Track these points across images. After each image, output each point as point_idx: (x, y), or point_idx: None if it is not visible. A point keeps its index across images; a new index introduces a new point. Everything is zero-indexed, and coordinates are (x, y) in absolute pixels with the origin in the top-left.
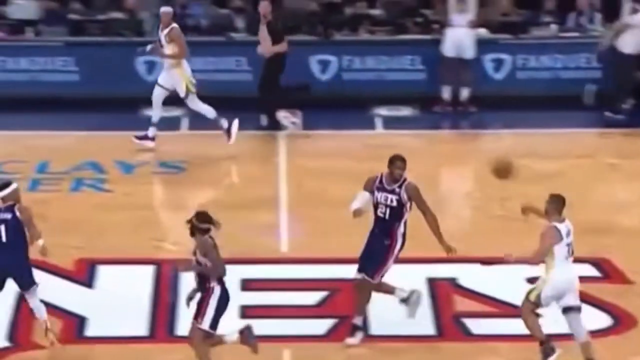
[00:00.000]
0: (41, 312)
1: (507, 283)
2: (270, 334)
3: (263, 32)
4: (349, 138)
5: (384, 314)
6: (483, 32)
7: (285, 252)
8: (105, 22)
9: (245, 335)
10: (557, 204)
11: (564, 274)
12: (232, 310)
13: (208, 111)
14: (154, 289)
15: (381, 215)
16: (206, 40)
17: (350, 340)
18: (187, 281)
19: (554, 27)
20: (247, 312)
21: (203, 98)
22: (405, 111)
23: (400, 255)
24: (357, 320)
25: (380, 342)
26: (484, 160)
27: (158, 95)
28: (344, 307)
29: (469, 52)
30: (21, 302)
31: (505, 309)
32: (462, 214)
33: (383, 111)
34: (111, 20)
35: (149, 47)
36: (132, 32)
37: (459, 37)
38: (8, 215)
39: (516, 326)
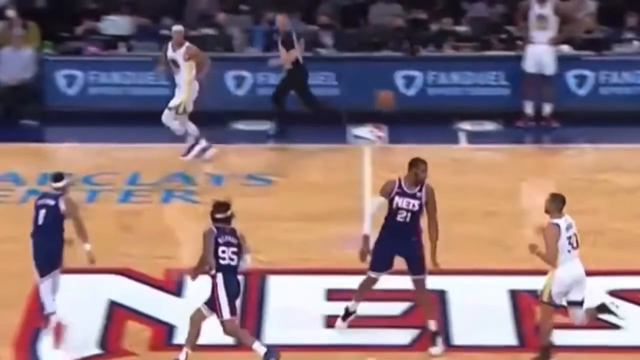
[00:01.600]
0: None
1: (588, 295)
2: (355, 343)
3: (279, 46)
4: (433, 152)
5: (465, 324)
6: (566, 48)
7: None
8: (196, 38)
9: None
10: (557, 202)
11: (568, 270)
12: (316, 319)
13: (179, 130)
14: (241, 297)
15: (401, 220)
16: None
17: (433, 350)
18: (275, 291)
19: (636, 44)
20: (331, 321)
21: (291, 113)
22: (488, 126)
23: (482, 267)
24: (432, 325)
25: (463, 352)
26: (566, 174)
27: (166, 117)
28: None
29: (550, 69)
30: (112, 310)
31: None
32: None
33: (467, 126)
34: (201, 36)
35: (160, 68)
36: (222, 48)
37: (540, 54)
38: (51, 202)
39: (599, 338)
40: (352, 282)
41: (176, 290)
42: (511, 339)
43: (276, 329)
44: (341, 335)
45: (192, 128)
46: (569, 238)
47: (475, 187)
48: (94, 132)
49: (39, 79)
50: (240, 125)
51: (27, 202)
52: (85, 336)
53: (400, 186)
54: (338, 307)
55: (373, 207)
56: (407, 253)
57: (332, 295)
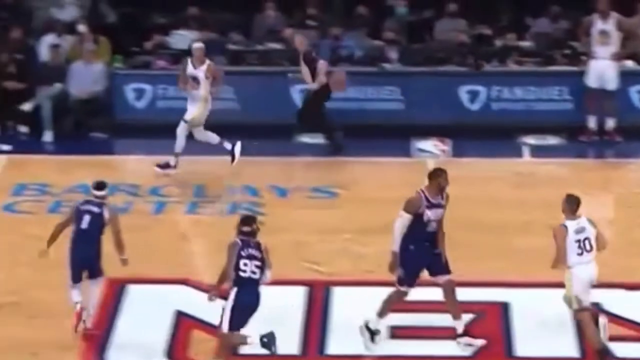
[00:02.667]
0: (92, 305)
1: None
2: (419, 354)
3: (301, 63)
4: (497, 165)
5: (528, 335)
6: (629, 64)
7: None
8: (263, 52)
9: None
10: (571, 204)
11: (583, 271)
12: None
13: (180, 146)
14: (305, 309)
15: (431, 231)
16: (359, 71)
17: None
18: (338, 303)
19: None
20: (396, 332)
21: (357, 127)
22: (552, 140)
23: (545, 279)
24: (459, 326)
25: None
26: (628, 188)
27: (181, 129)
28: (491, 330)
29: (612, 84)
30: (178, 320)
31: None
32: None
33: (531, 140)
34: (269, 51)
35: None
36: (288, 62)
37: (602, 69)
38: (96, 209)
39: None
40: (415, 294)
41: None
42: (573, 351)
43: (340, 340)
44: (404, 346)
45: (181, 143)
46: (579, 241)
47: (538, 201)
48: (162, 144)
49: (108, 92)
50: (306, 139)
51: None
52: (152, 346)
53: (427, 199)
54: (401, 319)
55: (403, 225)
56: (437, 259)
57: (398, 307)
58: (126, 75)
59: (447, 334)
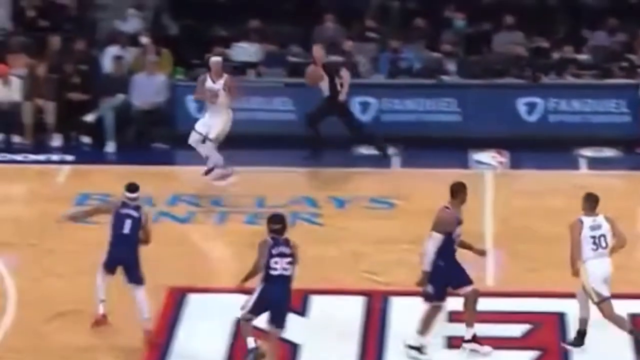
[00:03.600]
0: (144, 310)
1: None
2: None
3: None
4: (554, 177)
5: (585, 345)
6: None
7: (490, 285)
8: (323, 65)
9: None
10: (590, 201)
11: (597, 265)
12: (438, 341)
13: (218, 159)
14: (364, 319)
15: (457, 245)
16: (418, 83)
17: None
18: (396, 313)
19: None
20: (453, 342)
21: (415, 138)
22: (609, 152)
23: None
24: (469, 333)
25: None
26: None
27: (195, 140)
28: (548, 340)
29: None
30: (237, 330)
31: None
32: None
33: (587, 152)
34: (328, 63)
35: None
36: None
37: None
38: (135, 214)
39: None
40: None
41: (301, 309)
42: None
43: (397, 349)
44: (463, 356)
45: (217, 157)
46: (594, 237)
47: None
48: (223, 155)
49: (170, 103)
50: (365, 150)
51: (158, 223)
52: (212, 354)
53: (457, 217)
54: (460, 329)
55: (436, 246)
56: (461, 272)
57: (455, 317)
58: (187, 87)
59: (506, 344)
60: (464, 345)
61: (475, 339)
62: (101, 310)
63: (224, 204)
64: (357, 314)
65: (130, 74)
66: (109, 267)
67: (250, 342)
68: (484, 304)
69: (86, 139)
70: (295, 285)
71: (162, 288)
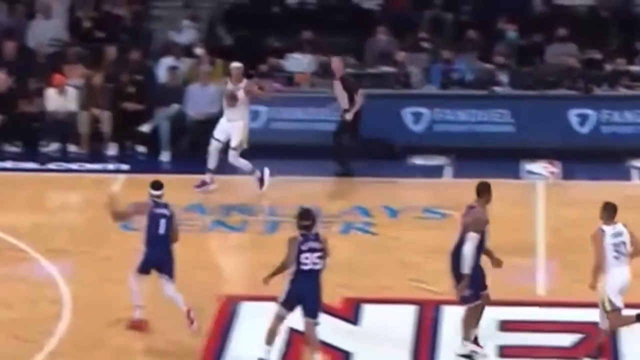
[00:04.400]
0: (179, 302)
1: None
2: None
3: (338, 88)
4: (606, 188)
5: (636, 355)
6: None
7: (542, 295)
8: (375, 75)
9: None
10: (608, 210)
11: (618, 275)
12: (490, 350)
13: (246, 165)
14: (415, 328)
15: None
16: (470, 94)
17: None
18: (449, 322)
19: None
20: (504, 351)
21: (468, 149)
22: None
23: None
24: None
25: None
26: None
27: (215, 148)
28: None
29: None
30: (291, 337)
31: None
32: None
33: (639, 163)
34: (381, 74)
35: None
36: (400, 85)
37: None
38: (167, 212)
39: None
40: (526, 314)
41: (353, 318)
42: None
43: (449, 358)
44: None
45: (245, 165)
46: (615, 245)
47: None
48: (277, 165)
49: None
50: (417, 160)
51: (211, 232)
52: None
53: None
54: (512, 338)
55: (474, 245)
56: (484, 274)
57: (506, 326)
58: None
59: (556, 353)
60: (465, 343)
61: (476, 341)
62: (139, 315)
63: (276, 213)
64: (409, 323)
65: (185, 84)
66: (145, 269)
67: (266, 352)
68: (535, 314)
69: (141, 149)
70: (347, 293)
71: (216, 296)
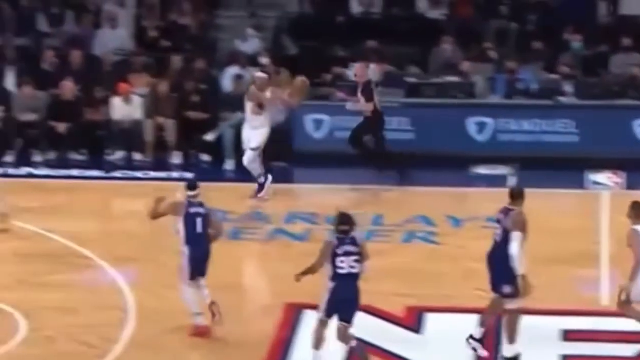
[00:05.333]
0: (208, 296)
1: None
2: None
3: (358, 92)
4: None
5: None
6: None
7: (606, 305)
8: (440, 85)
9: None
10: (637, 210)
11: None
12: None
13: (256, 170)
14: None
15: None
16: (535, 104)
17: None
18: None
19: None
20: None
21: (532, 159)
22: None
23: None
24: (479, 332)
25: None
26: None
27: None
28: None
29: None
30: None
31: None
32: None
33: None
34: (446, 83)
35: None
36: (465, 95)
37: None
38: (203, 210)
39: None
40: (590, 324)
41: (417, 327)
42: None
43: None
44: None
45: (258, 170)
46: None
47: None
48: (340, 174)
49: (288, 122)
50: (481, 170)
51: (273, 240)
52: None
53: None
54: (576, 348)
55: (519, 244)
56: None
57: (570, 336)
58: (306, 106)
59: None
60: (469, 340)
61: (482, 339)
62: (201, 321)
63: None
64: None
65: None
66: (194, 273)
67: (315, 356)
68: (599, 324)
69: (205, 157)
70: (409, 302)
71: (279, 304)
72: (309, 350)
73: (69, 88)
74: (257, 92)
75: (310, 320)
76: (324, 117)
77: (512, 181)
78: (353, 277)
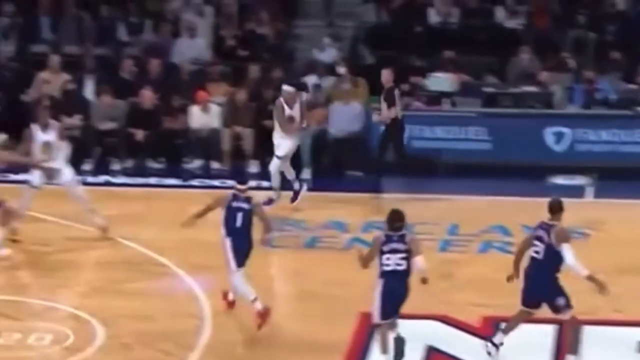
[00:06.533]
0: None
1: None
2: None
3: (382, 97)
4: None
5: None
6: None
7: None
8: (518, 95)
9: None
10: None
11: None
12: None
13: (276, 180)
14: (554, 348)
15: None
16: (613, 114)
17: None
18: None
19: None
20: None
21: (610, 169)
22: None
23: None
24: (500, 337)
25: None
26: None
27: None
28: None
29: None
30: (430, 355)
31: None
32: None
33: None
34: (523, 93)
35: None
36: (542, 104)
37: None
38: (246, 206)
39: None
40: None
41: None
42: None
43: None
44: None
45: (277, 179)
46: None
47: None
48: (417, 183)
49: (366, 132)
50: (558, 180)
51: (350, 248)
52: None
53: None
54: None
55: (573, 253)
56: None
57: None
58: None
59: None
60: (487, 343)
61: (499, 345)
62: (259, 306)
63: (416, 231)
64: (548, 343)
65: (327, 102)
66: (240, 260)
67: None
68: None
69: None
70: (485, 312)
71: (355, 312)
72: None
73: (147, 96)
74: (280, 108)
75: None
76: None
77: (590, 192)
78: (399, 274)
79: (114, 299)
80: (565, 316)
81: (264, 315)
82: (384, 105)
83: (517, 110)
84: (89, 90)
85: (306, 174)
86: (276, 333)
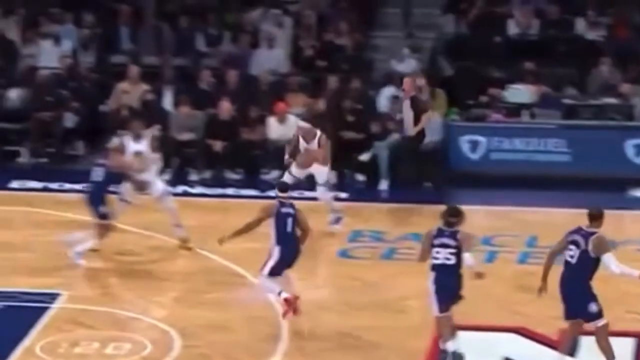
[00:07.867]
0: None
1: None
2: None
3: (406, 107)
4: None
5: None
6: None
7: None
8: (598, 107)
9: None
10: None
11: None
12: None
13: (336, 206)
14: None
15: None
16: None
17: None
18: None
19: None
20: None
21: None
22: None
23: None
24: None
25: None
26: None
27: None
28: None
29: None
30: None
31: None
32: None
33: None
34: (604, 105)
35: None
36: (623, 117)
37: None
38: (293, 211)
39: None
40: None
41: (570, 350)
42: None
43: None
44: None
45: (334, 204)
46: None
47: None
48: (496, 195)
49: (444, 143)
50: (639, 193)
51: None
52: None
53: None
54: None
55: (615, 261)
56: None
57: None
58: (462, 127)
59: None
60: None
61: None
62: (286, 294)
63: (494, 243)
64: (626, 356)
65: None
66: (279, 270)
67: (449, 345)
68: None
69: (360, 177)
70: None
71: (432, 320)
72: None
73: (225, 107)
74: (295, 142)
75: (461, 341)
76: (480, 138)
77: None
78: (448, 268)
79: (192, 310)
80: (599, 323)
81: (291, 303)
82: (409, 114)
83: (597, 122)
84: (167, 100)
85: (384, 185)
86: (353, 343)
